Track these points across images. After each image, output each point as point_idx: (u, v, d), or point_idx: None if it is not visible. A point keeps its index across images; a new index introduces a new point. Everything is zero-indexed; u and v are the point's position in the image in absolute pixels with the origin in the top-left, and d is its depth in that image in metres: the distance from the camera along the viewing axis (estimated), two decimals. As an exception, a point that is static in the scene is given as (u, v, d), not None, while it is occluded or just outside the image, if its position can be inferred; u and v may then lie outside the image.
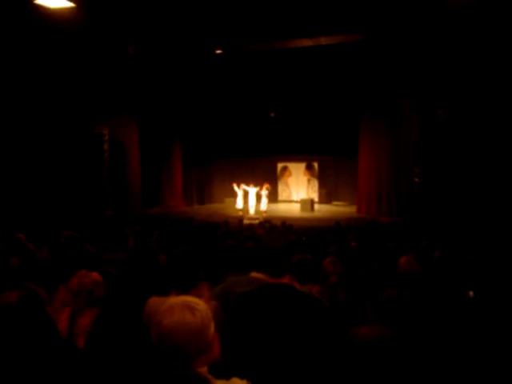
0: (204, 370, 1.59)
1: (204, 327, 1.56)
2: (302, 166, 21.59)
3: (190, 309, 1.56)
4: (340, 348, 1.41)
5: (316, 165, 21.32)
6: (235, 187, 17.64)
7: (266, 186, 17.20)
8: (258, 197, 17.41)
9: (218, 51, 13.10)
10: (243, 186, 17.56)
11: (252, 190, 17.51)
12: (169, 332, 1.52)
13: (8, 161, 11.51)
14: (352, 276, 4.09)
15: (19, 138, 11.85)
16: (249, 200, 17.48)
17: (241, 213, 16.91)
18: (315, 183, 21.36)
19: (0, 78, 11.19)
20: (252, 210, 17.47)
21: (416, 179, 13.54)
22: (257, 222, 13.65)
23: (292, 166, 21.75)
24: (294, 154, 20.68)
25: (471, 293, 4.23)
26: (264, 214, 16.50)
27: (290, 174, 21.75)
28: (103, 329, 2.16)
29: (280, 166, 21.91)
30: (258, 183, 17.77)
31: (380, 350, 1.32)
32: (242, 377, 1.64)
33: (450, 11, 9.27)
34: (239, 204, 17.35)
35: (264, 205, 17.06)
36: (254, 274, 3.25)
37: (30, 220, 9.92)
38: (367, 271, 4.56)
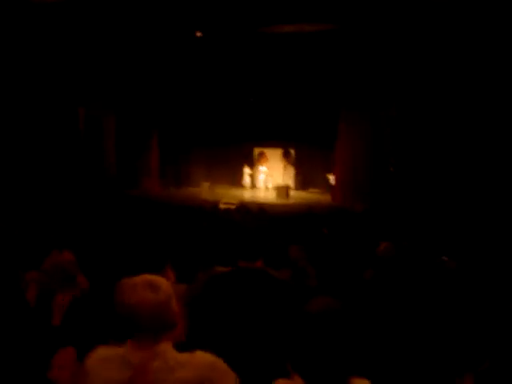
0: (169, 345, 1.63)
1: (166, 305, 1.61)
2: (278, 153, 21.61)
3: (151, 287, 1.61)
4: (297, 321, 1.51)
5: (293, 151, 21.38)
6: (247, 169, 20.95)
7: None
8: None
9: (199, 34, 12.99)
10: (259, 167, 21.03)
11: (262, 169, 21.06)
12: (132, 310, 1.56)
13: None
14: (322, 262, 4.20)
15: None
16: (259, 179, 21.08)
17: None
18: (291, 170, 21.44)
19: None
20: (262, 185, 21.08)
21: (391, 169, 13.76)
22: (233, 207, 13.62)
23: (269, 152, 21.74)
24: (271, 140, 20.67)
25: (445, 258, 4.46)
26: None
27: (267, 160, 21.72)
28: (81, 307, 2.19)
29: (257, 151, 21.89)
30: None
31: (329, 318, 1.44)
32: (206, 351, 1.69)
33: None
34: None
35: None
36: (219, 269, 3.22)
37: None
38: (338, 257, 4.68)
